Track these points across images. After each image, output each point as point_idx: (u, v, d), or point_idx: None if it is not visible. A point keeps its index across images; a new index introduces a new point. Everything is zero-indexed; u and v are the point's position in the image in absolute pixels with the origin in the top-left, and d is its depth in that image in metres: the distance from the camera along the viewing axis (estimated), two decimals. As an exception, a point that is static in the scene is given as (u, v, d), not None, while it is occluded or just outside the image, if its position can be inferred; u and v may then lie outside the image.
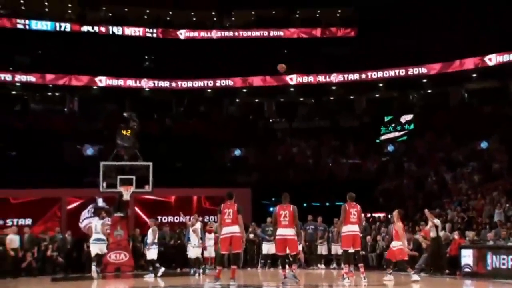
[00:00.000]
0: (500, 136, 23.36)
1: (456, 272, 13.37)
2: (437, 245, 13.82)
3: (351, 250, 11.34)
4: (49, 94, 30.45)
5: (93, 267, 14.47)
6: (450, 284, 12.00)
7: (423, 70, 28.81)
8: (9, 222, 20.38)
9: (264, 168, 25.97)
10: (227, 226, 10.41)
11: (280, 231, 10.55)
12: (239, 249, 10.89)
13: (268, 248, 17.47)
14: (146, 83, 30.28)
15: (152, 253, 14.42)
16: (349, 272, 11.45)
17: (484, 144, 24.30)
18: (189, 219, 15.65)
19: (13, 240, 16.04)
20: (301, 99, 32.11)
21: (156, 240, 14.56)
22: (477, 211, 17.77)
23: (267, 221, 17.99)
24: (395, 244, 11.97)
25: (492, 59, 26.67)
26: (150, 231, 14.62)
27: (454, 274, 13.31)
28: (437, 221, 13.83)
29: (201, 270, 14.61)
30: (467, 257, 13.37)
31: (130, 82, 30.08)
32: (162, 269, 14.44)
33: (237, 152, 28.20)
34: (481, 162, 22.28)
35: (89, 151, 26.45)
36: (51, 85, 29.55)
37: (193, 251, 14.81)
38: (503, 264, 12.19)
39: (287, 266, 10.77)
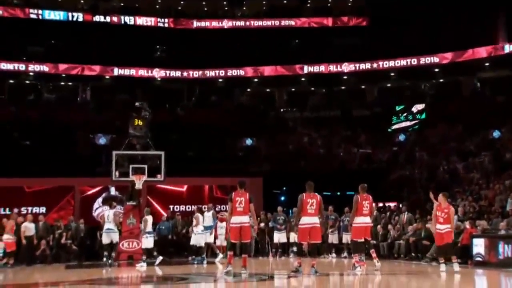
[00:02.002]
0: (513, 125, 23.20)
1: (468, 261, 13.33)
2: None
3: (360, 240, 11.47)
4: (62, 84, 30.61)
5: (107, 260, 14.85)
6: (462, 273, 11.88)
7: (435, 59, 28.57)
8: (23, 210, 20.67)
9: (275, 158, 25.95)
10: (238, 215, 10.46)
11: (306, 220, 10.58)
12: (248, 239, 10.98)
13: (279, 237, 17.54)
14: (158, 73, 30.34)
15: (147, 242, 14.59)
16: (360, 261, 11.50)
17: (496, 133, 24.10)
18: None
19: (28, 228, 16.27)
20: (312, 88, 31.98)
21: (150, 229, 14.72)
22: (489, 200, 17.67)
23: (278, 210, 18.07)
24: (443, 227, 11.40)
25: (506, 48, 26.37)
26: (143, 221, 14.78)
27: (465, 263, 13.23)
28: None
29: (200, 258, 14.78)
30: (478, 246, 13.31)
31: (142, 72, 30.16)
32: (160, 257, 14.61)
33: (249, 141, 28.19)
34: (493, 151, 22.09)
35: (102, 140, 26.60)
36: (64, 75, 29.70)
37: (194, 239, 14.99)
38: (515, 253, 12.16)
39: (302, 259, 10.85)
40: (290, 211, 18.49)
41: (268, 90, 32.43)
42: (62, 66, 29.26)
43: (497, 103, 26.18)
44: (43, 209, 21.12)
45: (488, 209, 16.82)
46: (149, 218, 14.80)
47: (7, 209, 20.94)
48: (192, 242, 15.04)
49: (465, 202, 17.69)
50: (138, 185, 16.94)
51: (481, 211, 16.86)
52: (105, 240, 15.13)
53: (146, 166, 17.25)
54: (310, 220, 10.56)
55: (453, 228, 11.83)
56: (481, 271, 12.15)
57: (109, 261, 14.73)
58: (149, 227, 14.72)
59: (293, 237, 17.13)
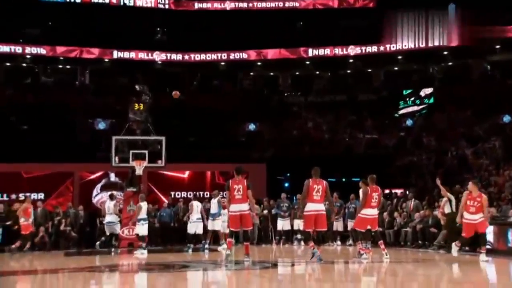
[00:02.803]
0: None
1: (476, 249, 13.00)
2: (452, 221, 13.49)
3: (362, 230, 11.38)
4: (60, 67, 30.14)
5: (97, 243, 15.14)
6: (470, 261, 11.71)
7: (444, 41, 27.91)
8: (21, 196, 20.36)
9: (279, 143, 25.59)
10: (237, 203, 10.23)
11: (312, 206, 10.34)
12: (249, 227, 10.70)
13: (283, 224, 17.31)
14: (158, 56, 29.83)
15: (142, 229, 14.40)
16: (365, 249, 11.43)
17: (506, 118, 23.65)
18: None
19: (27, 214, 16.05)
20: (317, 72, 31.43)
21: (145, 216, 14.56)
22: (498, 187, 17.30)
23: (282, 197, 17.78)
24: (476, 217, 10.86)
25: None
26: (137, 207, 14.60)
27: (474, 251, 12.96)
28: (450, 196, 13.51)
29: (201, 245, 14.69)
30: (487, 234, 13.05)
31: (142, 55, 29.62)
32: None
33: (252, 126, 27.81)
34: (503, 136, 21.64)
35: (101, 125, 26.26)
36: (61, 58, 29.20)
37: (189, 227, 14.86)
38: (525, 241, 11.92)
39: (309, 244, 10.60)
40: (294, 198, 18.17)
41: (271, 73, 31.91)
42: (59, 49, 28.72)
43: (507, 87, 25.57)
44: (41, 195, 20.88)
45: (498, 196, 16.46)
46: (144, 205, 14.63)
47: (5, 195, 20.68)
48: (188, 230, 14.81)
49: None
50: (139, 171, 16.76)
51: (490, 198, 16.45)
52: (107, 232, 15.22)
53: (146, 152, 17.06)
54: (316, 206, 10.34)
55: (487, 216, 11.33)
56: (490, 258, 11.84)
57: (112, 248, 14.72)
58: (144, 214, 14.51)
59: (297, 224, 16.82)
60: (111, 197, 15.68)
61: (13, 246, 15.14)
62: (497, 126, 23.35)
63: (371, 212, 11.17)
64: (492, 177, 18.56)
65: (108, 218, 15.03)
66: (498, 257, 11.97)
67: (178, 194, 21.99)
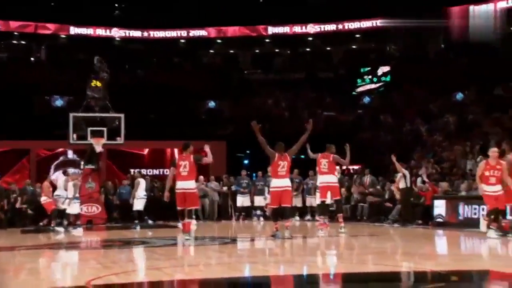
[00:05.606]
0: (477, 88, 23.36)
1: (429, 222, 13.54)
2: (406, 195, 13.95)
3: (328, 201, 11.40)
4: (15, 42, 29.16)
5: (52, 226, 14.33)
6: (422, 234, 12.17)
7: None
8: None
9: (239, 121, 25.57)
10: (182, 180, 9.91)
11: (278, 182, 10.19)
12: (195, 206, 10.50)
13: (242, 200, 17.47)
14: (117, 33, 29.23)
15: (73, 208, 14.26)
16: (323, 224, 11.50)
17: (459, 96, 24.34)
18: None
19: (-18, 191, 15.71)
20: (277, 50, 31.50)
21: (77, 195, 14.36)
22: (451, 162, 17.89)
23: (242, 174, 17.93)
24: (496, 189, 9.78)
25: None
26: (70, 185, 14.32)
27: (426, 224, 13.49)
28: (405, 171, 13.90)
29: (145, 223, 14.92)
30: (439, 207, 13.64)
31: (100, 31, 28.97)
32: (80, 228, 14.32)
33: (212, 104, 27.71)
34: (456, 114, 22.29)
35: (58, 102, 25.67)
36: (16, 33, 28.29)
37: (135, 203, 14.85)
38: (475, 214, 12.44)
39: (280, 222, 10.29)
40: (254, 175, 18.36)
41: (231, 51, 31.78)
42: (13, 24, 27.80)
43: (460, 66, 26.25)
44: (-4, 173, 20.34)
45: (450, 171, 17.03)
46: (78, 183, 14.46)
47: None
48: (134, 207, 14.98)
49: (428, 164, 17.82)
50: (98, 148, 16.52)
51: (443, 173, 17.06)
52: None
53: (105, 129, 16.83)
54: (281, 182, 10.18)
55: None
56: (441, 231, 12.38)
57: (57, 227, 14.05)
58: (76, 192, 14.33)
59: (258, 200, 17.06)
60: (64, 173, 15.47)
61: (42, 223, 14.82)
62: (450, 103, 24.03)
63: (325, 179, 11.21)
64: (445, 153, 19.15)
65: (56, 192, 14.53)
66: (450, 229, 12.42)
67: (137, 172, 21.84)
